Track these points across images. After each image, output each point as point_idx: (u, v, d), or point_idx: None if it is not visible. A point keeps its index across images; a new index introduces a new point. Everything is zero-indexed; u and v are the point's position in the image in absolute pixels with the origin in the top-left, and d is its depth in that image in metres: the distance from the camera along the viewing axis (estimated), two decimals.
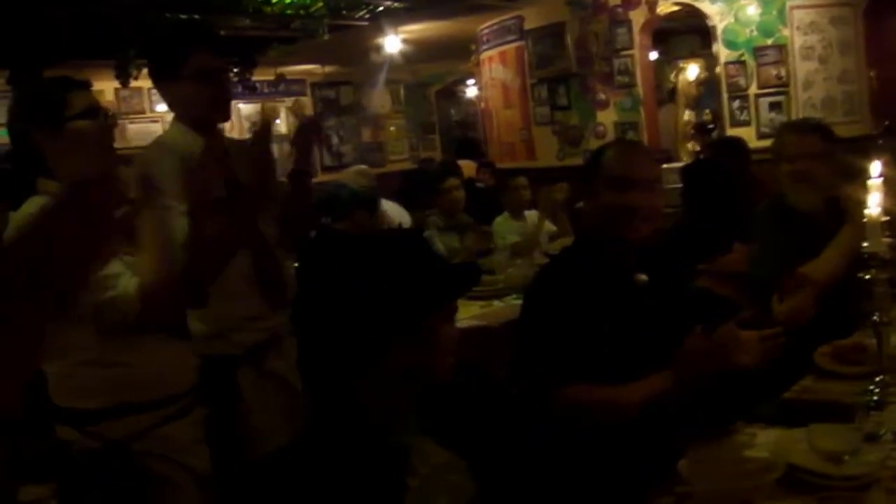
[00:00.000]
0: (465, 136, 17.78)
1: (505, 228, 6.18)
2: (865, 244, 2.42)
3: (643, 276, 2.58)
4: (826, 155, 3.57)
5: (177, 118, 3.03)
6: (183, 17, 7.22)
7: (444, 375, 1.75)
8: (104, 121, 2.61)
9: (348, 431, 1.71)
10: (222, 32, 8.42)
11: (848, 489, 1.83)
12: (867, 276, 2.43)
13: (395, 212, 6.28)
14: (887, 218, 2.45)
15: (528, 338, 2.56)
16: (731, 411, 2.30)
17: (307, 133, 3.21)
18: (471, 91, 16.80)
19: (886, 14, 9.73)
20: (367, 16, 9.23)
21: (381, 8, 9.05)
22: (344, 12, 9.10)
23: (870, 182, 2.44)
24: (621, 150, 2.73)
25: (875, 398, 2.48)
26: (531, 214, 6.27)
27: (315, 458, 1.69)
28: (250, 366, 3.03)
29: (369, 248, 1.79)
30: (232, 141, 3.44)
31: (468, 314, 4.63)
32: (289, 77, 14.23)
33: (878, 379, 2.51)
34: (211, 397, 2.82)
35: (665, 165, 8.63)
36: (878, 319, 2.48)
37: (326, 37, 9.17)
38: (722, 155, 5.69)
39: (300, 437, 1.81)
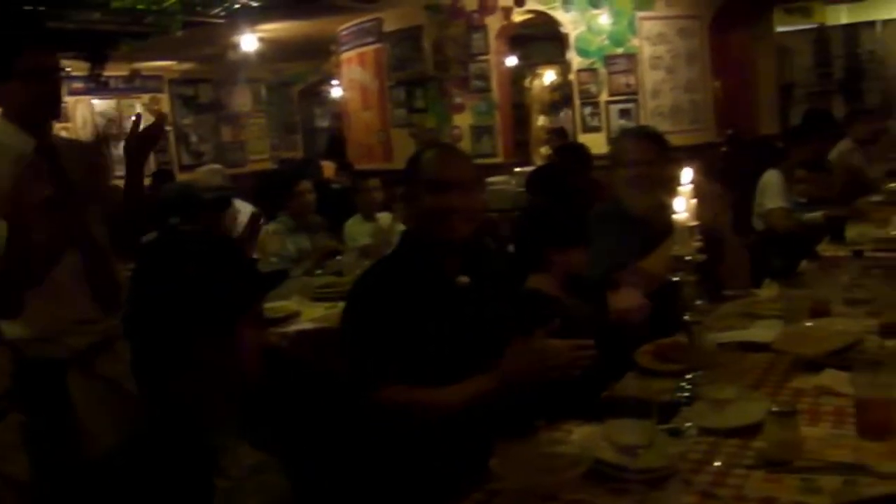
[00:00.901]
0: (332, 135, 17.70)
1: (356, 230, 6.20)
2: (675, 248, 2.54)
3: (465, 278, 2.64)
4: (660, 161, 3.71)
5: (5, 117, 2.93)
6: (17, 9, 6.91)
7: (253, 376, 1.76)
8: None
9: (166, 433, 1.71)
10: (70, 26, 8.18)
11: (643, 482, 1.92)
12: (676, 279, 2.54)
13: (247, 212, 6.20)
14: (697, 223, 2.57)
15: (350, 339, 2.58)
16: (548, 409, 2.37)
17: (145, 139, 3.13)
18: (336, 91, 16.75)
19: (730, 27, 10.16)
20: (222, 13, 9.08)
21: (236, 6, 8.92)
22: (199, 9, 8.94)
23: (680, 188, 2.55)
24: (438, 153, 2.77)
25: (686, 394, 2.60)
26: (383, 216, 6.31)
27: (135, 461, 1.68)
28: (80, 369, 2.97)
29: (179, 251, 1.78)
30: (63, 140, 3.36)
31: (313, 315, 4.62)
32: (144, 73, 13.91)
33: (688, 376, 2.64)
34: (33, 402, 2.74)
35: (517, 169, 8.83)
36: (688, 319, 2.60)
37: (180, 33, 9.00)
38: (566, 161, 5.85)
39: (126, 440, 1.80)
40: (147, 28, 9.38)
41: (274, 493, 1.81)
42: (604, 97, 9.25)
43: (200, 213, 4.82)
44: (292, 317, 4.60)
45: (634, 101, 9.21)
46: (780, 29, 11.66)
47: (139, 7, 8.54)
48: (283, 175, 7.22)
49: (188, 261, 1.73)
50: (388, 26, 10.43)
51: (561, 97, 11.09)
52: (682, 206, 2.52)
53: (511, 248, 3.59)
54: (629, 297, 3.21)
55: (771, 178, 6.17)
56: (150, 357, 1.76)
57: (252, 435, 1.85)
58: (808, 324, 3.10)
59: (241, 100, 15.75)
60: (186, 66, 14.15)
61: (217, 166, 7.92)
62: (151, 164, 12.75)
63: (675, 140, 7.90)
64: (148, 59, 12.62)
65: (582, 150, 6.31)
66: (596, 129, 9.14)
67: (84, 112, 13.13)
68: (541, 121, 11.02)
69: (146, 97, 14.30)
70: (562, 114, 11.10)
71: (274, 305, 4.65)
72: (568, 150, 6.60)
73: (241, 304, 1.74)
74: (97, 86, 12.32)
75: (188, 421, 1.72)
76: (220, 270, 1.72)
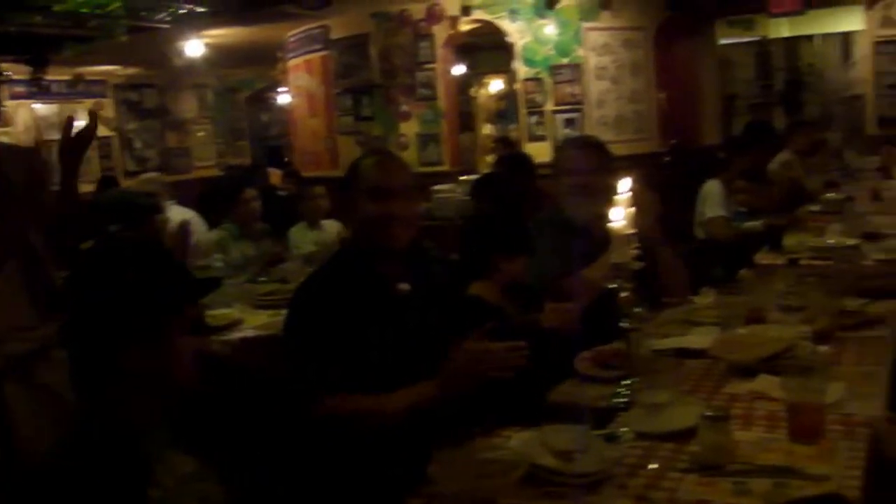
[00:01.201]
0: (269, 144, 17.62)
1: (301, 237, 6.18)
2: (613, 255, 2.58)
3: (405, 286, 2.65)
4: (601, 170, 3.75)
5: None
6: None
7: (187, 384, 1.75)
8: None
9: (100, 442, 1.70)
10: (11, 29, 8.05)
11: (579, 486, 1.95)
12: (613, 286, 2.58)
13: (177, 219, 6.16)
14: (634, 231, 2.61)
15: (292, 347, 2.58)
16: (487, 416, 2.39)
17: (78, 142, 3.10)
18: (283, 98, 16.68)
19: (674, 39, 10.31)
20: (167, 18, 9.00)
21: (182, 11, 8.84)
22: (143, 14, 8.85)
23: (618, 197, 2.59)
24: (377, 160, 2.79)
25: (623, 400, 2.64)
26: (329, 223, 6.29)
27: (69, 469, 1.66)
28: (17, 377, 2.93)
29: (115, 258, 1.77)
30: (3, 145, 3.32)
31: (256, 322, 4.61)
32: (88, 78, 13.72)
33: (626, 382, 2.68)
34: None
35: (463, 177, 8.87)
36: (626, 326, 2.64)
37: (125, 38, 8.88)
38: (510, 169, 5.90)
39: (62, 449, 1.78)
40: (90, 32, 9.25)
41: (208, 502, 1.80)
42: (549, 106, 9.33)
43: (140, 221, 4.77)
44: (235, 324, 4.58)
45: (579, 110, 9.30)
46: (723, 41, 11.85)
47: (82, 11, 8.41)
48: (229, 182, 7.17)
49: (123, 268, 1.72)
50: (336, 34, 10.42)
51: (507, 106, 11.15)
52: (620, 215, 2.56)
53: (455, 255, 3.61)
54: (559, 312, 3.23)
55: (711, 188, 6.28)
56: (85, 365, 1.75)
57: (188, 443, 1.84)
58: (743, 330, 3.16)
59: (187, 106, 15.61)
60: (131, 70, 13.98)
61: (154, 174, 7.87)
62: (96, 169, 12.62)
63: (619, 150, 8.00)
64: (92, 63, 12.45)
65: (525, 158, 6.36)
66: (541, 139, 9.21)
67: (25, 116, 12.92)
68: (487, 129, 11.07)
69: (90, 102, 14.10)
70: (511, 126, 11.16)
71: (217, 313, 4.63)
72: (511, 159, 6.64)
73: (172, 310, 1.72)
74: (39, 90, 12.13)
75: (121, 429, 1.70)
76: (153, 277, 1.71)
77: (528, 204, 4.91)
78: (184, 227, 4.95)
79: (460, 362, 2.49)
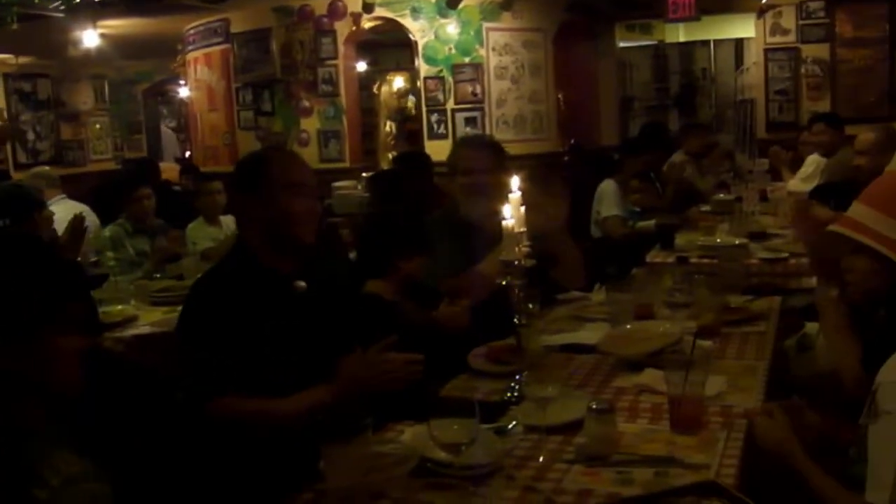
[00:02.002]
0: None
1: (198, 234, 6.09)
2: (503, 253, 2.63)
3: (302, 283, 2.65)
4: (496, 170, 3.80)
5: None
6: None
7: (71, 387, 1.72)
8: None
9: None
10: None
11: (467, 478, 1.99)
12: (503, 282, 2.63)
13: (68, 213, 6.02)
14: (524, 230, 2.66)
15: (185, 345, 2.56)
16: (378, 411, 2.41)
17: None
18: (184, 91, 16.39)
19: (574, 41, 10.49)
20: (61, 7, 8.75)
21: (76, 0, 8.62)
22: (36, 1, 8.59)
23: (510, 196, 2.64)
24: (285, 156, 2.80)
25: (514, 394, 2.69)
26: (227, 219, 6.22)
27: None
28: None
29: None
30: None
31: (151, 319, 4.54)
32: None
33: (517, 377, 2.73)
34: None
35: (364, 174, 8.87)
36: (517, 321, 2.70)
37: (15, 26, 8.60)
38: (405, 167, 5.93)
39: None
40: None
41: (95, 502, 1.77)
42: (451, 105, 9.39)
43: (23, 216, 4.66)
44: (129, 321, 4.51)
45: (480, 109, 9.39)
46: (621, 44, 12.10)
47: None
48: (122, 179, 7.02)
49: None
50: (236, 27, 10.30)
51: (409, 104, 11.19)
52: (510, 213, 2.61)
53: (353, 253, 3.62)
54: (452, 311, 3.27)
55: (607, 188, 6.43)
56: None
57: (76, 442, 1.81)
58: (631, 326, 3.26)
59: (83, 97, 15.20)
60: (24, 60, 13.54)
61: (45, 168, 7.64)
62: None
63: (518, 149, 8.16)
64: None
65: (421, 156, 6.41)
66: (443, 137, 9.27)
67: None
68: (388, 126, 11.09)
69: None
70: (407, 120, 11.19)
71: (110, 309, 4.55)
72: (407, 157, 6.68)
73: (52, 308, 1.69)
74: None
75: (1, 430, 1.66)
76: (31, 274, 1.67)
77: (426, 202, 4.95)
78: (78, 219, 4.84)
79: (357, 370, 2.51)
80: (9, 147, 13.71)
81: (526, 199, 2.68)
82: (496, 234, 2.81)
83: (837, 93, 10.02)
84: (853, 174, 5.19)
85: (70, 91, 14.96)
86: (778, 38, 10.23)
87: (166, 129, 17.90)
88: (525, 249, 2.64)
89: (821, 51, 10.06)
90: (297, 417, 2.39)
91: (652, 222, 5.95)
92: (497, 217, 2.71)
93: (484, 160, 3.85)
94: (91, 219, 5.93)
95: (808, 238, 3.08)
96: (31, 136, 14.36)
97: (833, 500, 2.09)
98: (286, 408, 2.44)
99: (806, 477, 2.12)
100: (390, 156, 10.14)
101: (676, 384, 2.35)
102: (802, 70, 10.17)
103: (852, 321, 2.78)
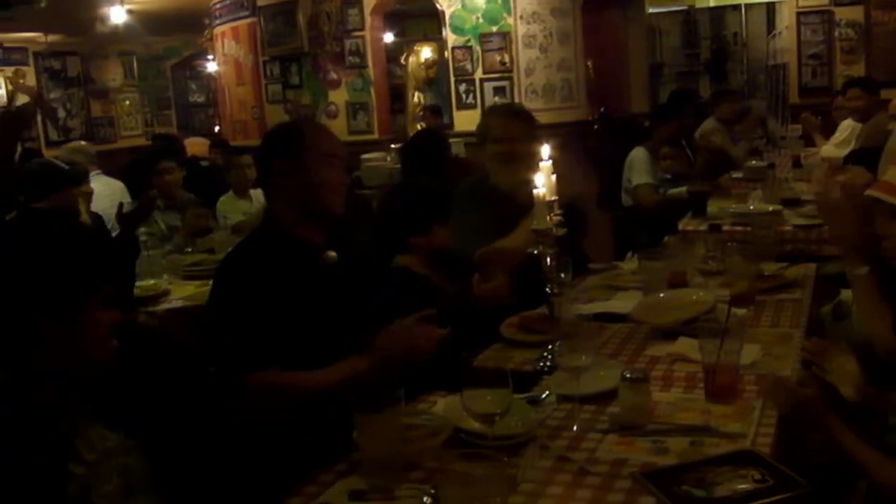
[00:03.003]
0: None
1: (228, 207, 6.12)
2: (535, 222, 2.61)
3: (333, 254, 2.65)
4: (526, 138, 3.78)
5: None
6: None
7: (104, 363, 1.72)
8: None
9: (13, 420, 1.66)
10: None
11: (501, 448, 1.98)
12: (535, 251, 2.61)
13: (108, 190, 6.06)
14: (556, 198, 2.64)
15: (218, 319, 2.56)
16: (411, 381, 2.41)
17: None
18: (212, 66, 16.40)
19: (603, 8, 10.38)
20: None
21: None
22: None
23: (541, 165, 2.62)
24: (321, 128, 2.80)
25: (548, 364, 2.68)
26: (257, 193, 6.23)
27: None
28: None
29: (22, 231, 1.74)
30: None
31: (183, 293, 4.56)
32: (8, 45, 13.36)
33: (550, 346, 2.72)
34: None
35: (393, 146, 8.85)
36: (549, 290, 2.68)
37: (44, 3, 8.62)
38: (424, 144, 5.89)
39: None
40: None
41: (133, 476, 1.79)
42: (478, 74, 9.32)
43: (51, 192, 4.65)
44: (162, 295, 4.53)
45: (509, 78, 9.29)
46: (651, 10, 11.96)
47: None
48: (146, 154, 7.05)
49: (37, 243, 1.68)
50: (262, 0, 10.27)
51: (437, 74, 11.13)
52: (542, 182, 2.59)
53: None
54: (490, 289, 3.26)
55: (637, 156, 6.37)
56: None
57: (110, 417, 1.82)
58: (664, 295, 3.23)
59: (112, 74, 15.27)
60: (53, 38, 13.61)
61: (82, 143, 7.69)
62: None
63: (547, 118, 8.09)
64: (12, 29, 12.09)
65: (436, 134, 6.42)
66: (471, 107, 9.20)
67: None
68: (417, 97, 11.04)
69: (10, 70, 13.75)
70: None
71: (143, 284, 4.58)
72: (424, 136, 6.64)
73: (88, 286, 1.69)
74: None
75: (37, 406, 1.67)
76: (59, 253, 1.67)
77: (447, 175, 4.93)
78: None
79: (394, 341, 2.50)
80: (40, 125, 13.81)
81: (557, 168, 2.65)
82: (527, 202, 2.79)
83: (872, 56, 9.83)
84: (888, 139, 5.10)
85: (99, 68, 15.04)
86: (811, 1, 10.04)
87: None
88: (557, 218, 2.62)
89: (855, 13, 9.86)
90: (332, 388, 2.39)
91: (683, 189, 5.90)
92: (528, 186, 2.69)
93: (515, 128, 3.83)
94: (125, 195, 5.96)
95: (834, 212, 3.01)
96: (61, 113, 14.47)
97: (868, 465, 2.06)
98: (320, 379, 2.43)
99: (840, 442, 2.10)
100: (419, 127, 10.08)
101: (711, 352, 2.33)
102: (836, 33, 9.98)
103: (884, 290, 2.74)
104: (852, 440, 2.09)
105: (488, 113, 4.45)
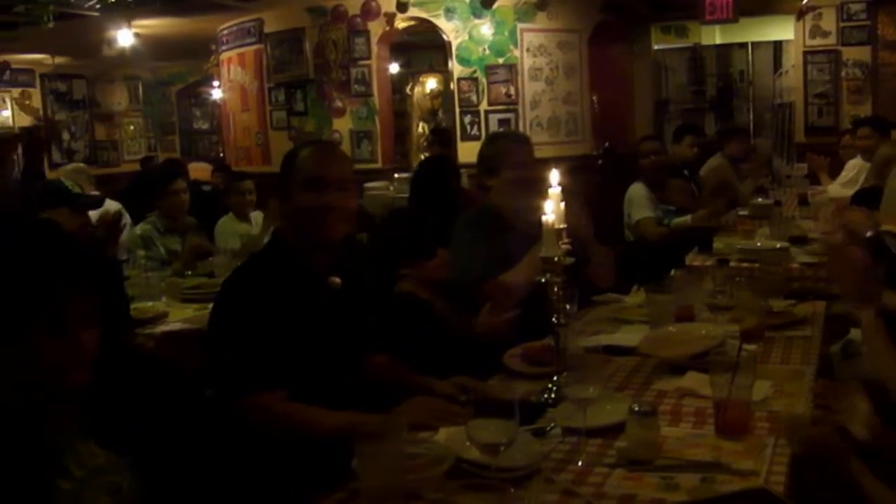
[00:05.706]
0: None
1: (228, 231, 6.07)
2: (543, 249, 2.55)
3: (337, 280, 2.59)
4: (537, 164, 3.71)
5: None
6: None
7: (75, 390, 1.65)
8: None
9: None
10: None
11: (505, 480, 1.91)
12: (543, 280, 2.55)
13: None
14: (564, 226, 2.59)
15: (217, 342, 2.50)
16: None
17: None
18: (217, 93, 16.44)
19: (609, 43, 10.40)
20: (97, 6, 8.78)
21: None
22: (72, 0, 8.62)
23: (549, 192, 2.57)
24: (315, 150, 2.72)
25: (552, 396, 2.62)
26: (256, 215, 6.21)
27: None
28: None
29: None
30: None
31: (182, 316, 4.51)
32: (15, 66, 13.38)
33: (555, 378, 2.65)
34: None
35: (396, 175, 8.82)
36: (555, 321, 2.62)
37: (51, 24, 8.62)
38: (433, 171, 5.85)
39: None
40: (16, 18, 8.99)
41: (122, 495, 1.73)
42: (483, 106, 9.33)
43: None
44: (160, 317, 4.47)
45: (514, 111, 9.31)
46: (657, 47, 11.98)
47: None
48: (155, 175, 7.01)
49: (15, 247, 1.62)
50: (270, 27, 10.29)
51: (442, 105, 11.15)
52: (550, 210, 2.53)
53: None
54: (495, 322, 3.20)
55: (636, 191, 6.33)
56: None
57: (101, 435, 1.76)
58: (672, 328, 3.17)
59: (117, 98, 15.33)
60: (60, 60, 13.65)
61: (80, 165, 7.68)
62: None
63: (552, 151, 8.09)
64: (19, 51, 12.12)
65: (447, 161, 6.39)
66: (475, 138, 9.19)
67: None
68: (421, 128, 11.06)
69: (16, 91, 13.77)
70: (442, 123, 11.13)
71: (142, 305, 4.53)
72: (434, 162, 6.61)
73: (67, 293, 1.62)
74: None
75: (22, 422, 1.61)
76: (42, 256, 1.61)
77: (457, 202, 4.90)
78: (115, 215, 4.76)
79: (416, 410, 2.43)
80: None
81: (564, 196, 2.60)
82: (534, 231, 2.73)
83: (879, 96, 9.84)
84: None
85: (105, 92, 15.09)
86: (818, 41, 10.06)
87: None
88: (565, 246, 2.56)
89: (862, 53, 9.89)
90: (328, 432, 2.32)
91: (688, 217, 5.86)
92: (538, 212, 2.63)
93: (530, 153, 3.78)
94: (125, 218, 5.91)
95: (837, 255, 2.97)
96: (66, 136, 14.48)
97: None
98: (321, 419, 2.37)
99: (858, 482, 2.03)
100: (422, 157, 10.08)
101: (722, 387, 2.26)
102: (843, 73, 10.00)
103: (891, 331, 2.68)
104: (871, 481, 2.02)
105: (497, 140, 4.36)
